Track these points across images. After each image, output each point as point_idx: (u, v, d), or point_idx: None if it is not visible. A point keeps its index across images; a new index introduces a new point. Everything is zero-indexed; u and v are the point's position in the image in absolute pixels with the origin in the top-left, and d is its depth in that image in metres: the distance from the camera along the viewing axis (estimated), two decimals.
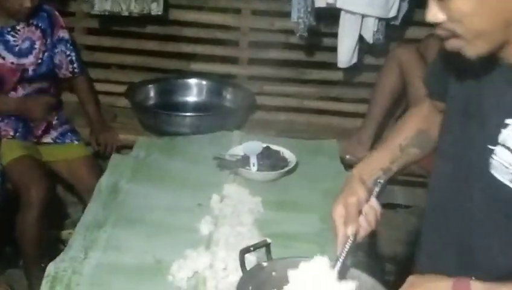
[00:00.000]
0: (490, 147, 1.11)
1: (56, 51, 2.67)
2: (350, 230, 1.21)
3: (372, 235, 1.86)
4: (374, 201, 1.26)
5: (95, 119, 2.80)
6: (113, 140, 2.78)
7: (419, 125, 1.39)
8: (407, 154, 1.36)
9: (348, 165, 2.60)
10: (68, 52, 2.71)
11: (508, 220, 1.12)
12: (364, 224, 1.24)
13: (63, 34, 2.70)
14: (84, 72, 2.86)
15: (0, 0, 2.45)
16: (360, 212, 1.24)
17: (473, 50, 1.05)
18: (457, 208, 1.21)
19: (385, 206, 1.35)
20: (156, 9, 2.94)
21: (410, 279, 1.11)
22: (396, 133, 1.40)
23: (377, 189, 1.27)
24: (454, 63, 1.18)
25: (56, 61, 2.68)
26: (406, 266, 2.79)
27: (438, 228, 1.28)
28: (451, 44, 1.07)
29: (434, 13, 1.04)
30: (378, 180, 1.28)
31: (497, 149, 1.11)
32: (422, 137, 1.38)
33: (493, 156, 1.11)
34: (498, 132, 1.10)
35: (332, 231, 1.24)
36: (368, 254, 1.73)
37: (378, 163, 1.33)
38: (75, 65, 2.74)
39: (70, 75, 2.76)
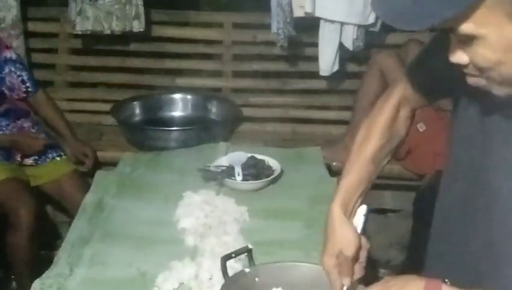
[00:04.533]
0: None
1: (4, 72, 2.63)
2: (347, 281, 1.15)
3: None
4: (364, 241, 1.19)
5: (66, 135, 2.76)
6: (90, 153, 2.75)
7: (390, 128, 1.27)
8: (380, 167, 1.26)
9: (335, 172, 2.62)
10: (19, 73, 2.66)
11: None
12: (359, 270, 1.18)
13: (9, 54, 2.66)
14: (40, 88, 2.78)
15: None
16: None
17: (499, 91, 0.96)
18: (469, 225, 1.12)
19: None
20: (138, 26, 2.96)
21: (385, 279, 1.09)
22: (367, 139, 1.25)
23: (361, 225, 1.20)
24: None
25: (7, 82, 2.64)
26: (400, 270, 2.82)
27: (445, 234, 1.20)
28: (475, 82, 0.97)
29: (459, 56, 0.94)
30: (363, 214, 1.21)
31: None
32: (392, 142, 1.28)
33: None
34: None
35: (328, 281, 1.18)
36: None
37: (356, 189, 1.21)
38: (27, 84, 2.69)
39: (25, 95, 2.71)
